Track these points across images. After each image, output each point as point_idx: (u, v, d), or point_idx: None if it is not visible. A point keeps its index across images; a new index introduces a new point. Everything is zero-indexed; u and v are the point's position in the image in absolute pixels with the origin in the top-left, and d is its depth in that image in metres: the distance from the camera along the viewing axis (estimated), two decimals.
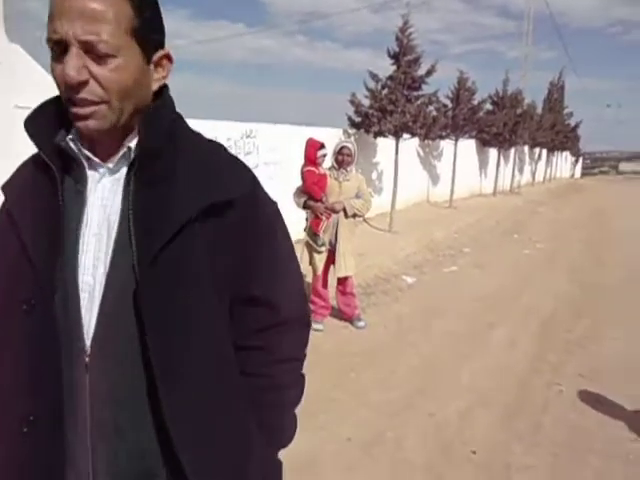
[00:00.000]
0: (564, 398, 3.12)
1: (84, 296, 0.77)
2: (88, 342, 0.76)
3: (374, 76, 8.55)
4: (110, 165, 0.78)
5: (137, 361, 0.75)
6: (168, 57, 0.79)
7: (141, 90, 0.76)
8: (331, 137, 6.46)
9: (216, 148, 0.86)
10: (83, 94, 0.71)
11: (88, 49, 0.69)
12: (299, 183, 4.10)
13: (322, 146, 4.04)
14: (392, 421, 2.80)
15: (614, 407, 2.98)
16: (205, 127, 6.04)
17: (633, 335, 4.20)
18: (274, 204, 0.90)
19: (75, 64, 0.69)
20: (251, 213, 0.81)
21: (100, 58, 0.70)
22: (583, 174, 42.04)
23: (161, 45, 0.78)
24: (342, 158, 4.01)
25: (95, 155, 0.78)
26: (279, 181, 6.86)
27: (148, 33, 0.74)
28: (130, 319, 0.74)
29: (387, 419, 2.82)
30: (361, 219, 4.43)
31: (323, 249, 4.05)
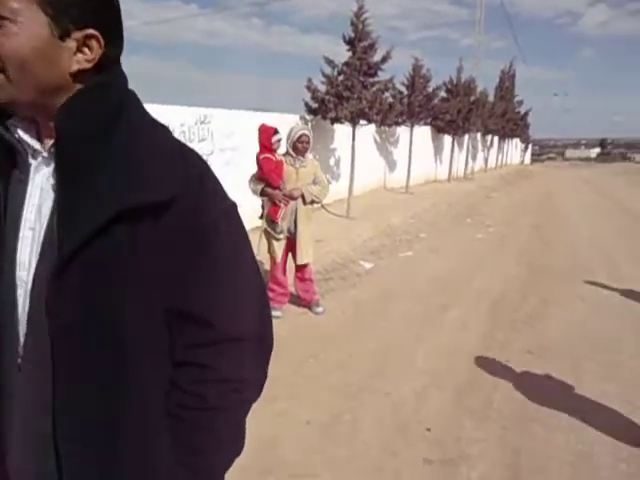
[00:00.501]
0: (513, 374, 3.27)
1: (20, 293, 0.73)
2: (22, 343, 0.73)
3: (330, 62, 8.53)
4: (45, 153, 0.73)
5: (49, 364, 0.71)
6: (97, 40, 0.70)
7: (46, 65, 0.68)
8: (288, 123, 6.40)
9: (161, 139, 0.77)
10: None
11: None
12: (255, 170, 4.06)
13: (276, 131, 4.00)
14: (350, 403, 2.86)
15: (558, 381, 3.16)
16: (157, 112, 5.83)
17: (575, 314, 4.45)
18: (224, 205, 0.79)
19: None
20: (191, 216, 0.72)
21: None
22: (532, 160, 43.84)
23: (87, 24, 0.69)
24: (301, 146, 3.98)
25: (42, 143, 0.73)
26: (235, 167, 6.77)
27: (61, 4, 0.67)
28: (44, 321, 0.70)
29: (345, 401, 2.88)
30: (319, 205, 4.45)
31: (282, 236, 4.03)
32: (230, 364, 0.78)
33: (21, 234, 0.73)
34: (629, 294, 4.87)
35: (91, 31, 0.69)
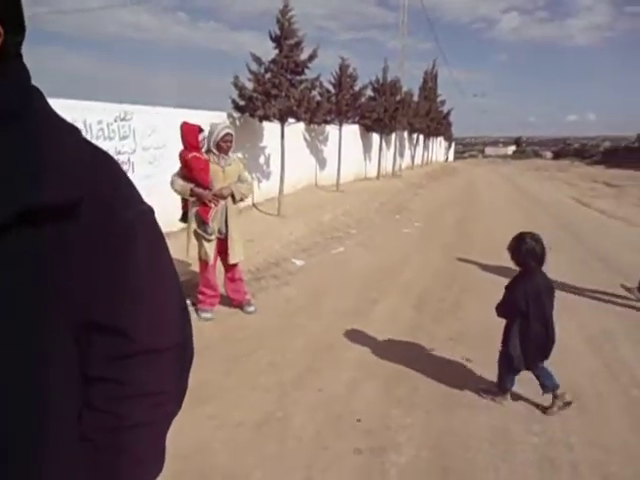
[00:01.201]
0: (437, 361, 3.44)
1: None
2: None
3: (257, 59, 8.45)
4: None
5: None
6: None
7: None
8: (214, 121, 6.27)
9: (69, 139, 0.71)
10: None
11: None
12: (177, 169, 3.94)
13: (201, 130, 3.91)
14: (282, 401, 2.86)
15: (476, 365, 3.36)
16: (72, 108, 5.52)
17: (490, 302, 4.74)
18: (139, 208, 0.74)
19: None
20: (103, 220, 0.67)
21: None
22: (456, 158, 46.24)
23: None
24: (225, 145, 3.91)
25: None
26: (158, 166, 6.53)
27: None
28: None
29: (277, 400, 2.88)
30: (249, 204, 4.39)
31: (213, 237, 3.94)
32: (150, 377, 0.73)
33: None
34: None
35: None
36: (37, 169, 0.63)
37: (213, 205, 3.88)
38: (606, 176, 22.24)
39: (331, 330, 3.96)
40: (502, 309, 2.89)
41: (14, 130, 0.65)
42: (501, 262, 6.11)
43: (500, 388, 2.92)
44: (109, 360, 0.70)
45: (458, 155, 48.96)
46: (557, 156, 51.59)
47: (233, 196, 3.94)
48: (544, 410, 2.79)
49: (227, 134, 3.90)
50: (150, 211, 0.77)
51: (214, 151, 3.92)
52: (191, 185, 3.82)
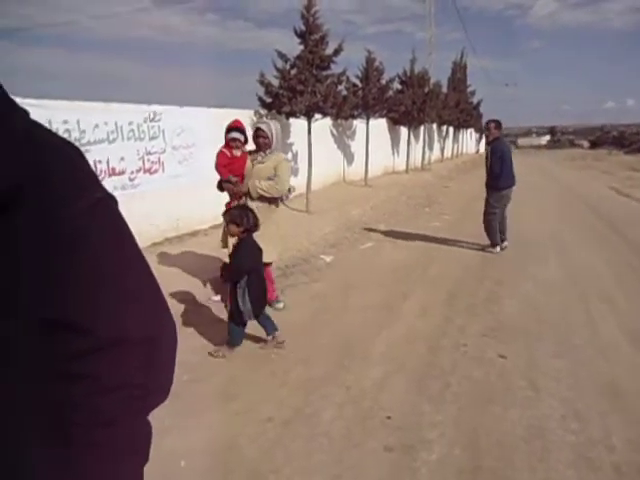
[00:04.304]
0: (469, 357, 3.36)
1: None
2: None
3: (282, 56, 8.46)
4: None
5: None
6: None
7: None
8: (243, 119, 6.32)
9: (10, 123, 0.65)
10: None
11: None
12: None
13: (232, 129, 4.00)
14: (311, 397, 2.85)
15: (511, 361, 3.26)
16: (104, 110, 5.66)
17: (523, 295, 4.61)
18: (91, 196, 0.70)
19: None
20: (48, 210, 0.64)
21: None
22: None
23: None
24: (260, 141, 3.92)
25: None
26: (189, 165, 6.63)
27: None
28: None
29: (306, 396, 2.87)
30: (279, 201, 4.28)
31: None
32: (117, 370, 0.70)
33: None
34: (573, 269, 5.11)
35: None
36: None
37: (235, 200, 3.96)
38: None
39: (360, 326, 3.92)
40: (227, 274, 3.58)
41: None
42: (533, 254, 5.96)
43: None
44: (74, 356, 0.68)
45: None
46: (594, 145, 49.70)
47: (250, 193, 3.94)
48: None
49: (257, 129, 3.92)
50: (109, 198, 0.72)
51: (254, 148, 4.01)
52: (226, 179, 3.98)
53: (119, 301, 0.71)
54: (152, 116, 6.20)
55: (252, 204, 3.94)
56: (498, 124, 6.21)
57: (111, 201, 0.71)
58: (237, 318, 3.31)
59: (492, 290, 4.78)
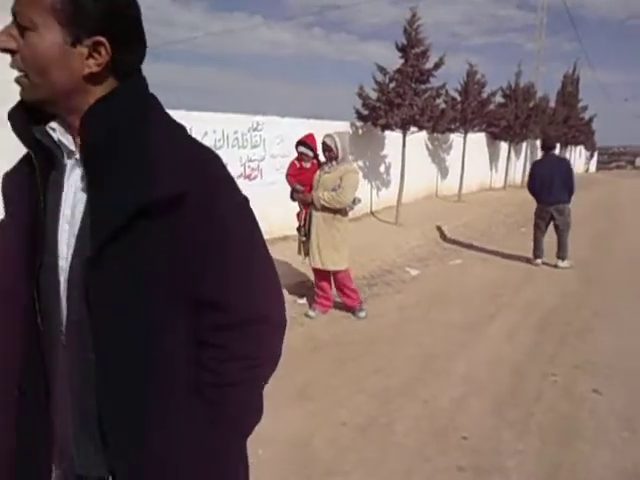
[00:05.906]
0: (558, 388, 3.17)
1: (61, 280, 0.83)
2: (65, 323, 0.84)
3: (382, 69, 8.56)
4: (77, 155, 0.82)
5: (88, 345, 0.81)
6: (104, 46, 0.77)
7: (61, 71, 0.77)
8: (340, 130, 6.50)
9: (178, 139, 0.84)
10: (12, 62, 0.78)
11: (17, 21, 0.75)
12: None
13: (300, 143, 4.24)
14: (387, 407, 2.88)
15: (606, 398, 3.03)
16: (213, 120, 6.14)
17: (627, 328, 4.22)
18: (236, 198, 0.87)
19: (5, 31, 0.76)
20: (205, 208, 0.79)
21: (22, 31, 0.75)
22: (599, 168, 41.56)
23: (96, 32, 0.76)
24: (326, 154, 4.06)
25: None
26: (283, 172, 6.92)
27: (73, 15, 0.74)
28: (83, 305, 0.80)
29: (382, 405, 2.90)
30: (366, 212, 4.47)
31: (304, 239, 4.27)
32: (246, 344, 0.86)
33: (60, 228, 0.84)
34: None
35: (99, 38, 0.76)
36: (148, 173, 0.77)
37: (303, 209, 4.22)
38: None
39: (441, 342, 3.86)
40: None
41: (136, 136, 0.79)
42: None
43: None
44: (212, 329, 0.85)
45: (602, 165, 43.86)
46: None
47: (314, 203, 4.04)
48: None
49: (322, 142, 4.07)
50: (245, 199, 0.89)
51: (324, 159, 4.16)
52: (292, 187, 4.24)
53: (252, 285, 0.88)
54: (255, 125, 6.62)
55: (317, 214, 4.07)
56: (542, 143, 7.15)
57: (247, 202, 0.89)
58: None
59: (589, 320, 4.44)
